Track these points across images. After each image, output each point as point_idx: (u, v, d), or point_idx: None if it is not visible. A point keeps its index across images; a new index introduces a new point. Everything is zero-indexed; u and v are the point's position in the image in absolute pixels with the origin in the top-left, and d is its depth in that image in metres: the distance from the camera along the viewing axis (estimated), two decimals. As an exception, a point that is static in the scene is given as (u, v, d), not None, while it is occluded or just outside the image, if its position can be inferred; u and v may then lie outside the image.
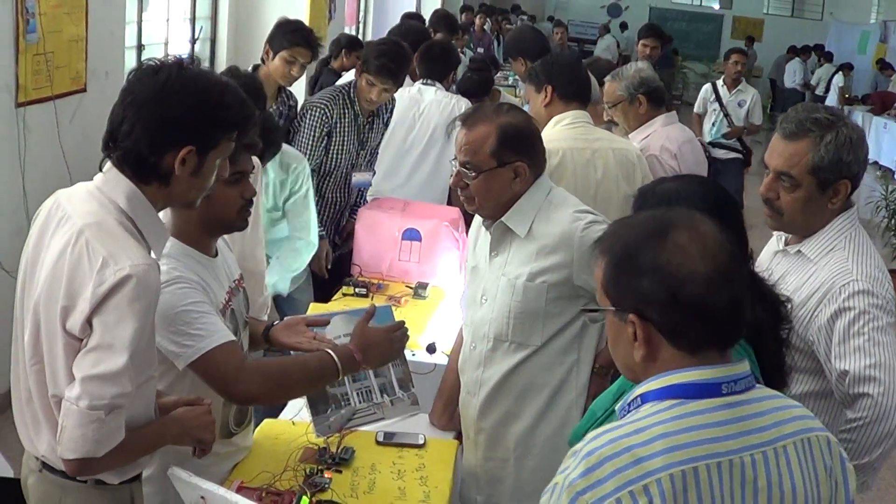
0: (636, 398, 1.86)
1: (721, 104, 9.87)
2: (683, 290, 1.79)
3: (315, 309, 4.60)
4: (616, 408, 1.93)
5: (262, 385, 2.74)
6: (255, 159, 3.08)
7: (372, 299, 4.80)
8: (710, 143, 9.34)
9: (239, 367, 2.70)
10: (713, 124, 9.91)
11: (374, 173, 5.75)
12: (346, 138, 5.39)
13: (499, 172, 3.07)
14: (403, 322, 3.06)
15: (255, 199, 2.95)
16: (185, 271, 2.75)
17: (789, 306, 2.49)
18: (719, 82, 10.10)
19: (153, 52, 7.79)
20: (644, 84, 4.89)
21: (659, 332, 1.83)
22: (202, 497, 2.36)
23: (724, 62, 10.43)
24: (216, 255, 2.95)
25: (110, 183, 2.38)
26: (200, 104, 2.35)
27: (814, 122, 2.83)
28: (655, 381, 1.84)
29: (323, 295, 5.02)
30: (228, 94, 2.41)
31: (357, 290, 4.87)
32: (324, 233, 5.35)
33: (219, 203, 2.81)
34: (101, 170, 2.43)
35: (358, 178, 5.56)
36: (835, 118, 2.86)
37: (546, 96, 4.26)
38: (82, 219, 2.33)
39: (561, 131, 4.17)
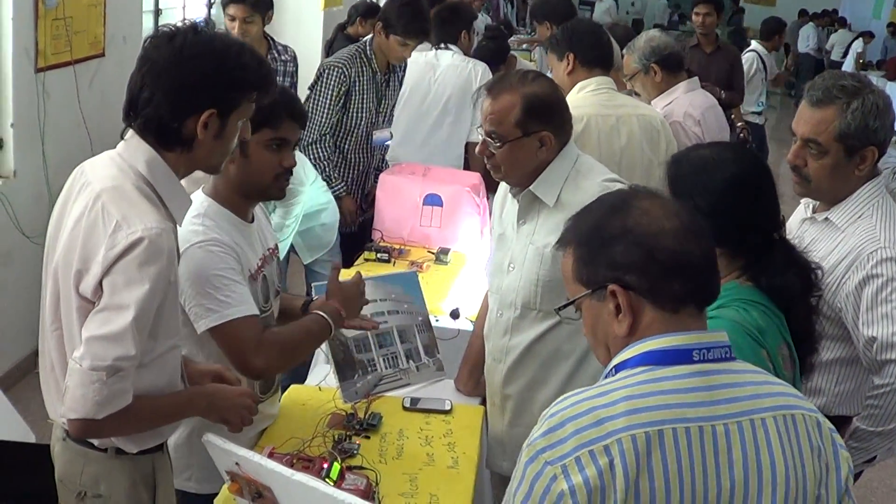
0: (611, 369, 1.86)
1: (766, 72, 9.24)
2: (658, 245, 1.81)
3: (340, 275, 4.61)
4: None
5: (278, 358, 2.82)
6: None
7: (394, 265, 4.82)
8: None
9: (258, 341, 2.73)
10: (760, 94, 9.20)
11: (392, 134, 5.75)
12: (365, 96, 5.38)
13: (524, 142, 3.05)
14: (360, 275, 3.18)
15: None
16: (220, 233, 2.76)
17: (820, 273, 2.48)
18: (759, 48, 9.28)
19: (170, 17, 7.78)
20: (655, 53, 4.88)
21: (640, 296, 1.83)
22: (237, 463, 2.37)
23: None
24: (252, 220, 2.96)
25: (131, 149, 2.39)
26: (219, 66, 2.35)
27: (840, 88, 2.82)
28: (628, 350, 1.84)
29: (345, 260, 5.03)
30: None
31: (379, 255, 4.88)
32: (343, 190, 5.39)
33: (256, 167, 2.83)
34: (122, 138, 2.43)
35: (377, 135, 5.58)
36: (861, 85, 2.86)
37: (568, 64, 4.24)
38: (101, 183, 2.35)
39: (585, 97, 4.15)
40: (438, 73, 6.00)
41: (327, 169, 5.34)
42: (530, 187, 3.12)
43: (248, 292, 2.77)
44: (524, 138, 3.05)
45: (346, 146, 5.47)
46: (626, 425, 1.72)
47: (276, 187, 2.92)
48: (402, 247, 5.04)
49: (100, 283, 2.26)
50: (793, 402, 1.88)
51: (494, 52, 7.13)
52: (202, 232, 2.73)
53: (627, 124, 4.15)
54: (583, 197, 3.04)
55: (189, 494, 2.93)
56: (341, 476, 2.70)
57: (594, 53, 4.24)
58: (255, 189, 2.90)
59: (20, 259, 5.40)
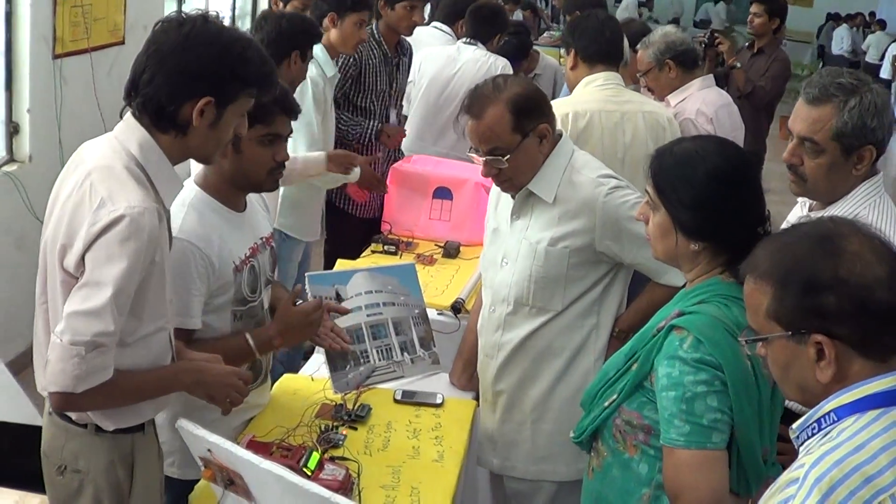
0: (828, 414, 1.79)
1: None
2: (872, 298, 1.74)
3: (341, 265, 4.60)
4: (794, 426, 1.86)
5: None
6: None
7: (401, 257, 4.79)
8: None
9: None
10: None
11: (404, 117, 5.72)
12: (378, 79, 5.38)
13: (527, 144, 3.02)
14: (321, 301, 3.04)
15: None
16: (198, 230, 2.77)
17: None
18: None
19: (193, 6, 7.80)
20: (671, 49, 4.83)
21: (849, 346, 1.77)
22: (209, 450, 2.37)
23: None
24: (245, 208, 2.97)
25: (126, 131, 2.42)
26: (222, 56, 2.37)
27: (837, 86, 2.76)
28: (846, 394, 1.78)
29: (353, 251, 5.01)
30: (250, 50, 2.43)
31: (386, 247, 4.86)
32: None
33: (249, 161, 2.85)
34: (121, 117, 2.45)
35: (392, 116, 5.58)
36: (859, 83, 2.79)
37: (572, 59, 4.21)
38: (93, 162, 2.39)
39: (591, 92, 4.12)
40: (458, 67, 5.96)
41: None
42: (528, 185, 3.09)
43: (195, 304, 2.75)
44: (525, 140, 3.02)
45: (360, 127, 5.46)
46: (893, 479, 1.69)
47: (269, 181, 2.94)
48: (411, 239, 5.02)
49: (82, 259, 2.30)
50: None
51: (517, 48, 7.10)
52: (181, 225, 2.73)
53: (632, 121, 4.11)
54: (577, 193, 3.03)
55: (172, 480, 2.92)
56: (320, 466, 2.69)
57: (595, 48, 4.19)
58: (249, 183, 2.92)
59: (34, 244, 5.37)
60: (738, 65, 7.59)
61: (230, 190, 2.90)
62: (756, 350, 1.94)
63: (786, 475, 1.78)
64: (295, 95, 4.22)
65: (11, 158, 5.46)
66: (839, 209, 2.86)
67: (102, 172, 2.35)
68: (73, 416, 2.50)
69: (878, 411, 1.75)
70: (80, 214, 2.31)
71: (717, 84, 8.08)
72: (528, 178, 3.08)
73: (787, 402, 2.63)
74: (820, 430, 1.80)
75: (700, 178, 2.36)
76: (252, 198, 3.05)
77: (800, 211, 3.03)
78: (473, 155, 3.09)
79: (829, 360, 1.78)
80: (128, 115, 2.43)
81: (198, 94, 2.36)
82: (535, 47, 7.94)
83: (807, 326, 1.79)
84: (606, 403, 2.47)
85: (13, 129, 5.40)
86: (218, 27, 2.42)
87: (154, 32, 2.42)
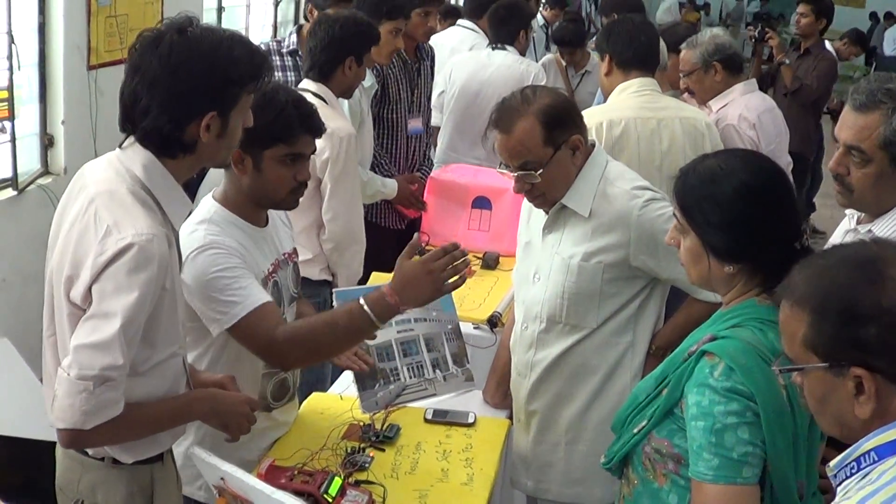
0: (867, 454, 1.68)
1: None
2: None
3: (376, 279, 4.52)
4: (831, 465, 1.74)
5: (292, 352, 2.68)
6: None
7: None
8: None
9: (271, 335, 2.64)
10: None
11: (434, 128, 5.60)
12: (400, 86, 5.29)
13: (559, 157, 2.91)
14: (448, 249, 2.63)
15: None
16: (221, 237, 2.70)
17: None
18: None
19: (233, 15, 7.76)
20: (719, 51, 4.69)
21: (890, 381, 1.66)
22: (222, 478, 2.29)
23: None
24: (266, 223, 2.90)
25: (129, 152, 2.32)
26: (211, 67, 2.26)
27: (886, 92, 2.61)
28: (888, 431, 1.66)
29: (388, 263, 4.90)
30: (236, 48, 2.31)
31: (423, 258, 4.76)
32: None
33: (270, 181, 2.79)
34: (120, 147, 2.35)
35: (412, 124, 5.45)
36: None
37: (606, 65, 4.09)
38: (96, 187, 2.29)
39: (626, 99, 4.00)
40: (490, 73, 5.84)
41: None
42: (562, 199, 2.98)
43: (253, 284, 2.68)
44: (558, 153, 2.91)
45: (389, 141, 5.37)
46: None
47: (290, 200, 2.88)
48: (450, 251, 4.91)
49: (89, 290, 2.20)
50: None
51: (574, 34, 6.94)
52: (202, 237, 2.67)
53: (669, 127, 3.99)
54: (611, 206, 2.92)
55: (191, 500, 2.86)
56: (342, 492, 2.60)
57: (629, 54, 4.06)
58: (269, 201, 2.86)
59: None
60: (787, 61, 7.46)
61: (250, 206, 2.84)
62: (792, 379, 1.82)
63: None
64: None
65: (46, 171, 5.43)
66: (887, 222, 2.72)
67: (106, 198, 2.25)
68: (88, 450, 2.42)
69: None
70: (85, 243, 2.21)
71: (765, 81, 8.00)
72: (561, 192, 2.97)
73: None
74: (859, 469, 1.68)
75: (727, 196, 2.22)
76: (274, 215, 2.98)
77: (847, 224, 2.89)
78: (504, 171, 2.98)
79: (869, 396, 1.66)
80: (129, 140, 2.32)
81: (200, 113, 2.26)
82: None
83: (846, 358, 1.67)
84: (636, 430, 2.34)
85: (48, 142, 5.37)
86: (195, 35, 2.28)
87: (132, 57, 2.29)
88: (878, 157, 2.64)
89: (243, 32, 5.59)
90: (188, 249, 2.63)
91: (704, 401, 2.13)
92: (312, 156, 3.99)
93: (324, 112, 4.12)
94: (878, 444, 1.66)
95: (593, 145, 3.02)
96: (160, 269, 2.22)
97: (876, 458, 1.66)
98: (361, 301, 2.61)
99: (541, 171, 2.90)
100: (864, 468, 1.67)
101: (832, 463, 1.74)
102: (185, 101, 2.25)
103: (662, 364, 2.38)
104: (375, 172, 5.25)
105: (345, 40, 4.25)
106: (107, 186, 2.28)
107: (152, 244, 2.20)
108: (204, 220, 2.73)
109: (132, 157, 2.31)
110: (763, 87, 8.25)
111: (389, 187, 5.02)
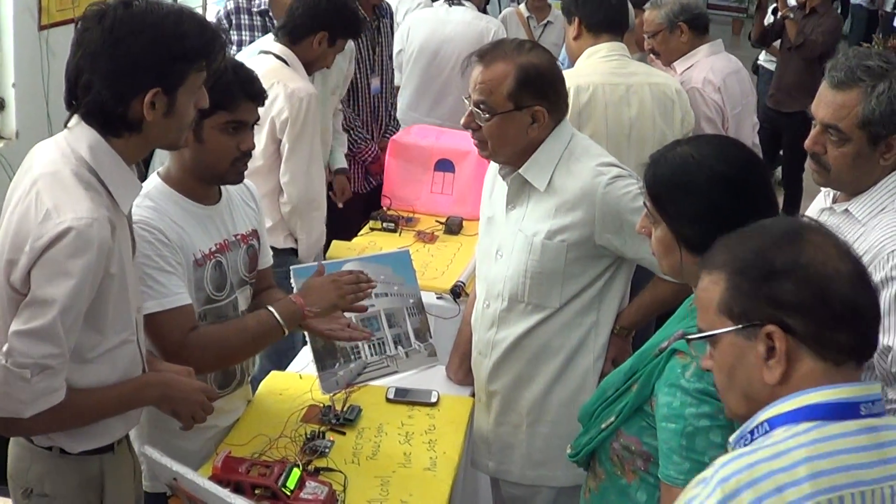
0: (762, 424, 1.63)
1: None
2: (832, 288, 1.59)
3: (336, 247, 4.43)
4: (731, 439, 1.70)
5: (203, 358, 2.64)
6: None
7: (400, 234, 4.62)
8: None
9: (181, 340, 2.60)
10: None
11: (391, 83, 5.49)
12: (360, 45, 5.15)
13: (515, 116, 2.83)
14: (354, 273, 2.95)
15: None
16: (150, 214, 2.62)
17: None
18: None
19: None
20: (685, 11, 4.60)
21: (800, 342, 1.61)
22: (174, 479, 2.21)
23: None
24: (217, 202, 2.80)
25: (76, 132, 2.23)
26: (154, 41, 2.17)
27: (865, 70, 2.53)
28: (785, 403, 1.61)
29: (350, 230, 4.82)
30: (185, 23, 2.22)
31: (385, 224, 4.67)
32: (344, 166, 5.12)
33: (212, 151, 2.68)
34: (65, 126, 2.26)
35: (374, 83, 5.34)
36: (889, 66, 2.56)
37: (575, 29, 3.98)
38: (40, 168, 2.21)
39: (594, 65, 3.90)
40: (449, 30, 5.70)
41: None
42: (519, 170, 2.89)
43: (175, 282, 2.60)
44: (515, 112, 2.82)
45: (354, 102, 5.24)
46: (810, 492, 1.51)
47: (233, 172, 2.76)
48: (411, 215, 4.82)
49: (28, 275, 2.14)
50: None
51: None
52: (135, 213, 2.56)
53: (638, 94, 3.90)
54: (575, 182, 2.84)
55: (150, 494, 2.78)
56: (301, 484, 2.52)
57: (600, 17, 3.96)
58: (211, 174, 2.74)
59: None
60: (791, 15, 7.41)
61: (193, 182, 2.73)
62: (702, 363, 1.78)
63: (697, 477, 1.62)
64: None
65: (-2, 135, 5.29)
66: (864, 201, 2.66)
67: (49, 180, 2.16)
68: (34, 438, 2.35)
69: (811, 423, 1.58)
70: (25, 227, 2.14)
71: (768, 36, 7.94)
72: (504, 153, 2.90)
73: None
74: (752, 440, 1.63)
75: (700, 186, 2.12)
76: (234, 193, 2.87)
77: (822, 202, 2.82)
78: (466, 100, 2.92)
79: (780, 358, 1.61)
80: (75, 119, 2.24)
81: (142, 89, 2.17)
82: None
83: (760, 316, 1.62)
84: (604, 426, 2.27)
85: (-1, 105, 5.23)
86: (141, 9, 2.20)
87: (77, 33, 2.22)
88: (856, 137, 2.57)
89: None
90: None
91: (675, 402, 2.06)
92: (273, 118, 3.96)
93: (283, 73, 4.04)
94: (772, 415, 1.62)
95: (559, 121, 2.92)
96: (100, 255, 2.15)
97: (768, 429, 1.61)
98: (270, 307, 2.74)
99: (490, 119, 2.82)
100: (757, 439, 1.62)
101: (731, 438, 1.70)
102: (127, 77, 2.17)
103: (632, 358, 2.31)
104: (349, 138, 5.14)
105: (328, 14, 4.16)
106: (51, 168, 2.20)
107: (92, 229, 2.12)
108: (142, 195, 2.61)
109: (78, 138, 2.22)
110: (768, 41, 8.24)
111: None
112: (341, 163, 5.02)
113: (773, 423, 1.61)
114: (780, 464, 1.54)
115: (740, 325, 1.65)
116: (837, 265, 1.61)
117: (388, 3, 5.55)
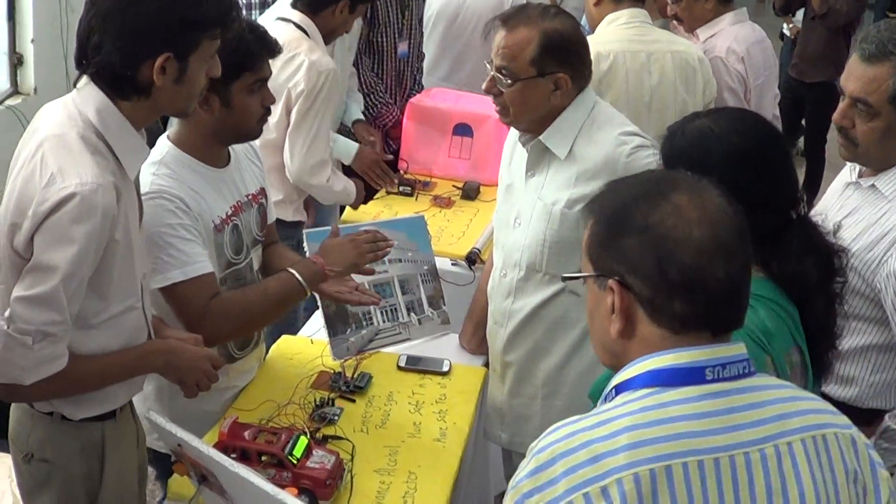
0: (611, 390, 1.58)
1: None
2: (671, 256, 1.52)
3: (349, 213, 4.37)
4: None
5: (226, 324, 2.62)
6: None
7: (416, 198, 4.55)
8: None
9: (204, 308, 2.56)
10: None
11: (420, 50, 5.38)
12: (389, 7, 5.00)
13: (537, 83, 2.76)
14: (371, 232, 2.92)
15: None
16: (170, 183, 2.58)
17: (845, 259, 2.17)
18: None
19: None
20: None
21: (637, 303, 1.56)
22: (179, 445, 2.18)
23: None
24: (228, 163, 2.77)
25: (84, 93, 2.19)
26: (170, 5, 2.13)
27: None
28: (630, 368, 1.57)
29: (366, 193, 4.74)
30: None
31: (402, 188, 4.60)
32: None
33: (239, 112, 2.67)
34: (75, 86, 2.22)
35: (401, 48, 5.20)
36: None
37: None
38: (46, 130, 2.17)
39: (615, 31, 3.81)
40: None
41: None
42: (540, 137, 2.82)
43: (197, 250, 2.57)
44: (538, 79, 2.75)
45: (378, 66, 5.13)
46: (627, 462, 1.45)
47: (257, 129, 2.76)
48: (428, 179, 4.75)
49: (31, 239, 2.11)
50: (825, 420, 1.60)
51: None
52: (151, 182, 2.55)
53: (660, 62, 3.80)
54: (596, 151, 2.78)
55: (159, 453, 2.75)
56: (307, 452, 2.48)
57: None
58: (237, 134, 2.73)
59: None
60: None
61: (210, 145, 2.70)
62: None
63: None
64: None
65: (16, 91, 5.27)
66: (891, 177, 2.60)
67: (55, 143, 2.12)
68: (35, 403, 2.32)
69: (648, 390, 1.53)
70: (29, 191, 2.10)
71: (793, 4, 7.80)
72: (525, 119, 2.83)
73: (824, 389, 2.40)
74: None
75: (717, 160, 2.03)
76: (240, 152, 2.84)
77: (848, 175, 2.75)
78: (487, 64, 2.85)
79: (619, 311, 1.57)
80: (84, 79, 2.19)
81: (154, 53, 2.12)
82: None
83: (607, 269, 1.59)
84: None
85: (17, 61, 5.20)
86: None
87: None
88: (885, 111, 2.51)
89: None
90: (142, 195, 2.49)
91: None
92: (290, 88, 3.87)
93: (305, 44, 3.94)
94: (619, 381, 1.58)
95: (582, 89, 2.85)
96: (104, 221, 2.11)
97: (614, 395, 1.57)
98: (290, 269, 2.70)
99: (512, 85, 2.76)
100: (605, 405, 1.58)
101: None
102: (138, 39, 2.12)
103: None
104: (369, 102, 5.03)
105: None
106: (58, 130, 2.16)
107: (96, 194, 2.08)
108: (155, 162, 2.60)
109: (86, 100, 2.18)
110: (793, 9, 8.10)
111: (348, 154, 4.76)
112: (357, 115, 4.90)
113: (619, 389, 1.57)
114: (601, 433, 1.49)
115: (594, 274, 1.62)
116: (690, 231, 1.53)
117: None
